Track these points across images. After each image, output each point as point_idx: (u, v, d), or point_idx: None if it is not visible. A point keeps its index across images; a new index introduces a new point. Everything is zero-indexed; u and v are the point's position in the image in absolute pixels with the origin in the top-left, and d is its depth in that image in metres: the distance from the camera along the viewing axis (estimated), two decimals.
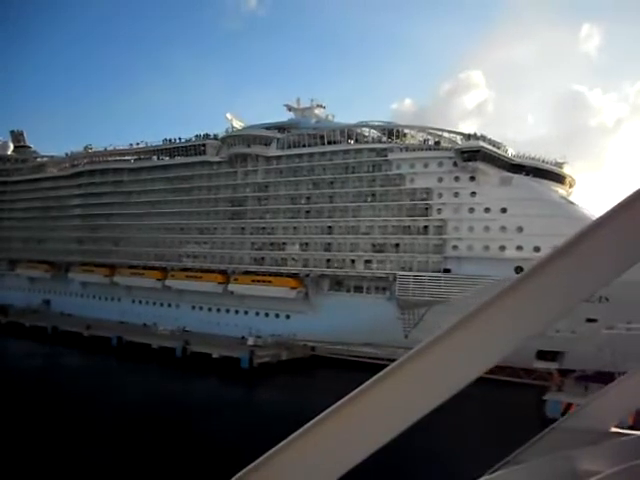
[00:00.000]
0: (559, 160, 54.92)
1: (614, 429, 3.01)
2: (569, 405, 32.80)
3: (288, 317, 55.33)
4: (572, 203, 48.19)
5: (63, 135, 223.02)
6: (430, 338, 1.54)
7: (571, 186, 54.39)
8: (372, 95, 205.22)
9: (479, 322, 1.52)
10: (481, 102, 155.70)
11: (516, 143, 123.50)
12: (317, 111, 64.76)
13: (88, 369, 48.36)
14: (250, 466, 1.60)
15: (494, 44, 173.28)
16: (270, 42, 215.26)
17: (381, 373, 1.56)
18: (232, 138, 59.73)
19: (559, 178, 51.62)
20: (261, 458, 1.60)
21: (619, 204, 1.48)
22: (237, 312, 58.59)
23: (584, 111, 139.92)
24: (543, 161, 50.74)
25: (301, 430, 1.57)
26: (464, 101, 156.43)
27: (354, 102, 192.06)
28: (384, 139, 53.87)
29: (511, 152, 52.71)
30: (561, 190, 51.63)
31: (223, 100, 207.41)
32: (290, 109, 65.57)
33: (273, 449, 1.58)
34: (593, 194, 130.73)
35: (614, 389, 3.04)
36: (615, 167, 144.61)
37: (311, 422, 1.57)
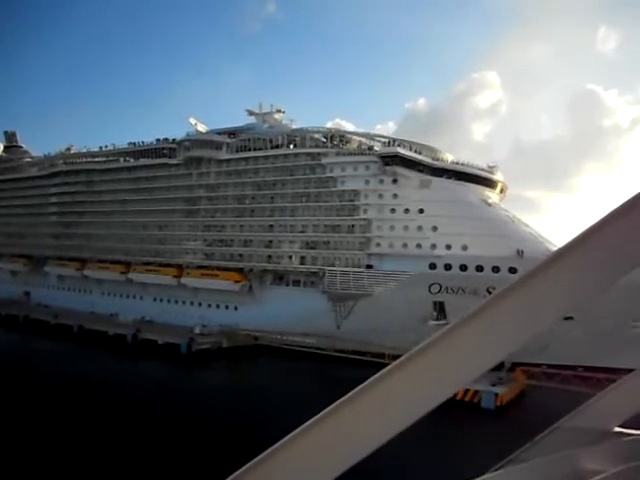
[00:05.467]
0: (491, 164, 58.60)
1: (617, 429, 2.96)
2: None
3: (236, 309, 59.71)
4: (489, 205, 51.61)
5: (74, 135, 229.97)
6: (432, 337, 1.54)
7: (502, 190, 57.72)
8: (387, 95, 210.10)
9: (481, 321, 1.52)
10: (495, 102, 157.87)
11: (527, 143, 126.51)
12: (277, 116, 68.72)
13: (46, 352, 53.17)
14: (247, 465, 1.60)
15: (509, 45, 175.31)
16: (287, 44, 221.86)
17: (381, 372, 1.55)
18: (188, 142, 64.23)
19: (487, 182, 54.86)
20: (258, 457, 1.59)
21: (624, 204, 1.48)
22: (192, 304, 63.17)
23: (599, 112, 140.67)
24: (468, 165, 54.23)
25: (299, 429, 1.57)
26: (478, 101, 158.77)
27: (370, 102, 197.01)
28: (326, 144, 57.87)
29: (451, 158, 56.50)
30: (491, 193, 55.01)
31: (240, 100, 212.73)
32: (251, 113, 69.78)
33: (270, 448, 1.58)
34: (605, 195, 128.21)
35: (618, 388, 2.98)
36: (629, 169, 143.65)
37: (309, 421, 1.57)
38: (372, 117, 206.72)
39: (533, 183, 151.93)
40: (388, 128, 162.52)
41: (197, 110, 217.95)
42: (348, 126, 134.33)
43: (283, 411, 31.49)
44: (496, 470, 2.66)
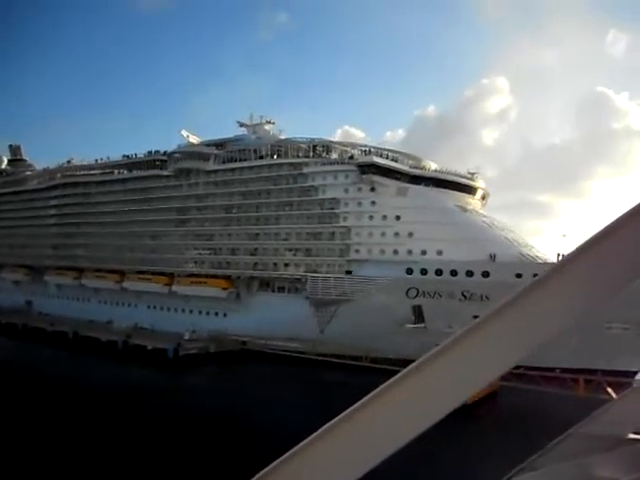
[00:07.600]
0: (472, 170, 59.99)
1: (632, 435, 2.89)
2: None
3: (225, 315, 61.45)
4: (465, 211, 52.87)
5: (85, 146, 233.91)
6: (448, 340, 1.55)
7: (484, 197, 59.04)
8: (397, 102, 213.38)
9: (493, 327, 1.51)
10: (504, 107, 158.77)
11: (537, 148, 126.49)
12: (266, 127, 70.68)
13: (40, 357, 55.31)
14: (266, 469, 1.61)
15: (518, 49, 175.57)
16: (298, 53, 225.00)
17: (398, 375, 1.55)
18: (178, 154, 66.57)
19: (467, 189, 56.29)
20: (277, 461, 1.60)
21: (633, 209, 1.45)
22: (183, 311, 65.06)
23: (610, 115, 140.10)
24: (447, 173, 55.64)
25: (318, 432, 1.58)
26: (487, 107, 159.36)
27: (380, 110, 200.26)
28: (308, 152, 59.70)
29: (434, 166, 57.96)
30: (471, 200, 56.30)
31: (252, 107, 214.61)
32: (241, 125, 71.86)
33: (289, 452, 1.59)
34: (617, 200, 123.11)
35: (632, 394, 2.94)
36: None
37: (328, 424, 1.58)
38: (382, 124, 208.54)
39: (544, 188, 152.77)
40: (398, 135, 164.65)
41: (208, 119, 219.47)
42: (357, 133, 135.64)
43: (260, 408, 33.23)
44: (508, 479, 2.61)
